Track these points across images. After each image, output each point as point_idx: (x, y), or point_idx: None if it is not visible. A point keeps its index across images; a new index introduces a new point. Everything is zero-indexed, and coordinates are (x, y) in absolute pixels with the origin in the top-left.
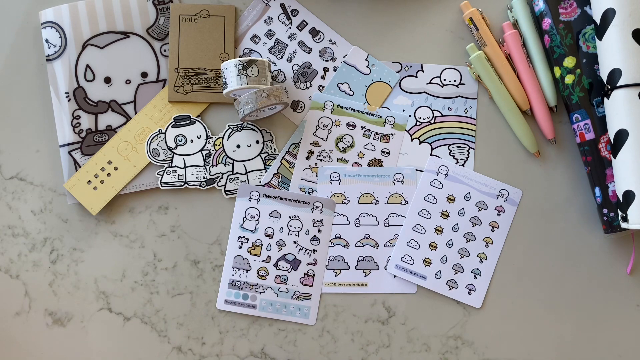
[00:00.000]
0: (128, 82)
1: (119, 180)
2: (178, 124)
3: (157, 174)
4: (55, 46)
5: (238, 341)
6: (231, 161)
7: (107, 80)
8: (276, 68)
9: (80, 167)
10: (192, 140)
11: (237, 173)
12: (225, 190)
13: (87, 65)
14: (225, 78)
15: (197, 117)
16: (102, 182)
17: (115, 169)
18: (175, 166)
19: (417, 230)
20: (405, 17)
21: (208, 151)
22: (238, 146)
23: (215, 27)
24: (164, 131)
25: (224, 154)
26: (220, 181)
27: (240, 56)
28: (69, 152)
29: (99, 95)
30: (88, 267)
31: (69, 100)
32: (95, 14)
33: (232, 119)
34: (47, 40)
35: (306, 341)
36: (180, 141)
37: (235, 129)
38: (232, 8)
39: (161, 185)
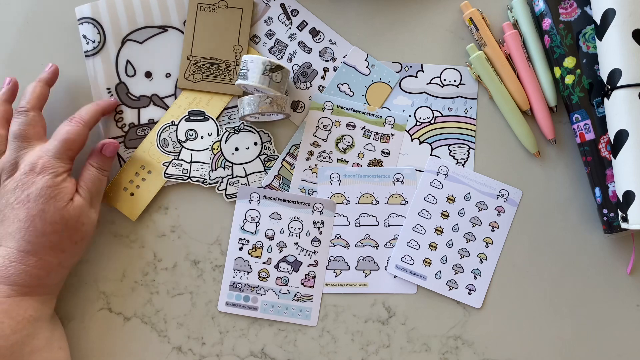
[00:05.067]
0: (168, 75)
1: (154, 183)
2: (192, 118)
3: (163, 164)
4: (93, 42)
5: (238, 341)
6: (230, 164)
7: (148, 74)
8: None
9: (124, 161)
10: (202, 137)
11: (237, 176)
12: (226, 194)
13: (128, 61)
14: (248, 70)
15: (217, 116)
16: (137, 187)
17: (149, 172)
18: (182, 159)
19: (417, 230)
20: (405, 17)
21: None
22: (236, 149)
23: (231, 18)
24: (176, 123)
25: (222, 157)
26: (220, 185)
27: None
28: None
29: (141, 90)
30: (88, 267)
31: (111, 95)
32: (132, 8)
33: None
34: (84, 36)
35: (306, 341)
36: (190, 136)
37: (232, 131)
38: (251, 1)
39: (165, 176)
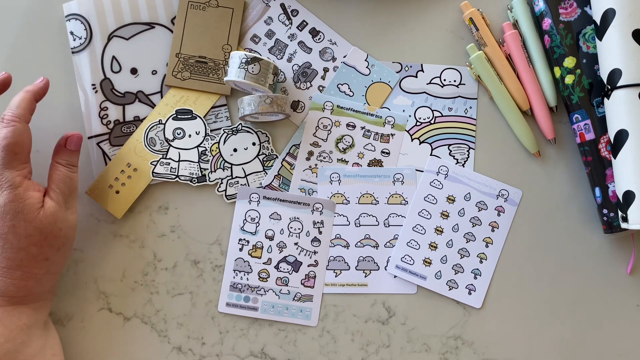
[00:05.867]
0: (154, 72)
1: (140, 181)
2: (179, 117)
3: (151, 163)
4: (80, 38)
5: (238, 341)
6: (229, 165)
7: (134, 71)
8: None
9: (110, 158)
10: (190, 135)
11: (236, 177)
12: (226, 195)
13: (113, 57)
14: (229, 66)
15: (204, 115)
16: (123, 184)
17: (135, 170)
18: (170, 158)
19: (417, 230)
20: (405, 17)
21: (205, 148)
22: (235, 150)
23: (222, 17)
24: (164, 122)
25: (221, 159)
26: (220, 186)
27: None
28: (98, 144)
29: (126, 86)
30: (88, 267)
31: (96, 91)
32: (119, 5)
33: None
34: (72, 33)
35: (306, 341)
36: (178, 134)
37: (230, 132)
38: (242, 1)
39: (153, 175)
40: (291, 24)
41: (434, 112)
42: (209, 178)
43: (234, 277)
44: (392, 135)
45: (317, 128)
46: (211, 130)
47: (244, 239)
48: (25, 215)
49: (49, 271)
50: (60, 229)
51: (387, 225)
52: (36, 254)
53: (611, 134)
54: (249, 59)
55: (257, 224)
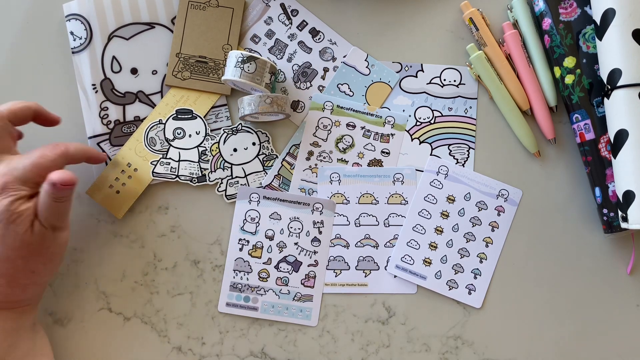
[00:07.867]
0: (154, 72)
1: (141, 181)
2: (179, 116)
3: (151, 163)
4: (80, 38)
5: (238, 341)
6: (229, 165)
7: (134, 71)
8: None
9: (110, 159)
10: (190, 135)
11: (236, 177)
12: (226, 195)
13: (114, 57)
14: (226, 66)
15: (205, 114)
16: (123, 184)
17: (135, 170)
18: (170, 158)
19: (417, 230)
20: (405, 17)
21: (205, 148)
22: (235, 150)
23: (222, 17)
24: (164, 122)
25: (221, 158)
26: (220, 186)
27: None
28: (98, 144)
29: (126, 87)
30: (88, 267)
31: (96, 92)
32: (120, 5)
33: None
34: (72, 33)
35: (306, 341)
36: (178, 134)
37: (230, 132)
38: (242, 1)
39: (153, 174)
40: (291, 24)
41: (434, 112)
42: (209, 178)
43: (234, 277)
44: (392, 135)
45: (317, 128)
46: (211, 130)
47: (244, 239)
48: (17, 227)
49: (35, 282)
50: (47, 247)
51: (387, 225)
52: (22, 266)
53: (611, 133)
54: (244, 58)
55: (257, 224)
